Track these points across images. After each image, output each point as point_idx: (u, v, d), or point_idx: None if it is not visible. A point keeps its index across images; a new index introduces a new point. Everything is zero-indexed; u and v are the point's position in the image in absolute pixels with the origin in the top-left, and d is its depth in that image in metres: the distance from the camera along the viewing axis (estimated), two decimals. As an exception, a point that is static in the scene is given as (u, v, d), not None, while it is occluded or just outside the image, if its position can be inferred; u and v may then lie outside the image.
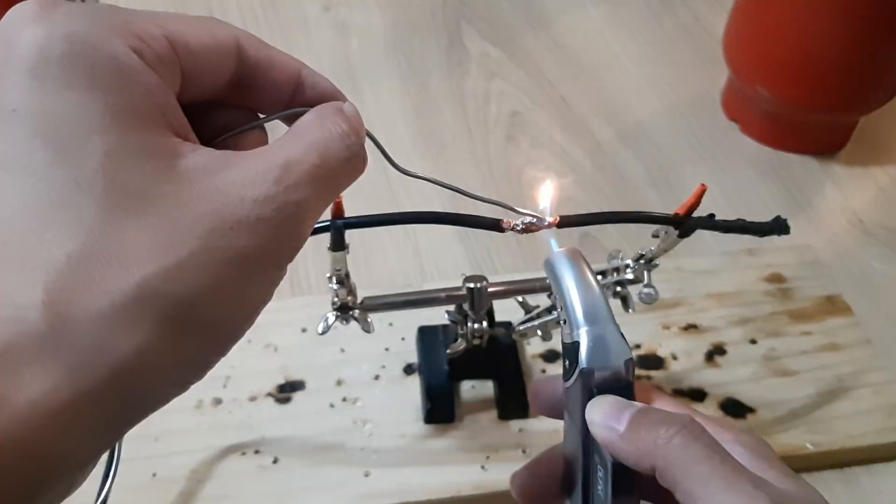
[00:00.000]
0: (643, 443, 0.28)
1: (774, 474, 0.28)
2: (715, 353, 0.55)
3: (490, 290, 0.47)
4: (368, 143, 0.29)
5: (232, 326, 0.25)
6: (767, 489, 0.27)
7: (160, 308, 0.22)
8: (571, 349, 0.30)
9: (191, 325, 0.23)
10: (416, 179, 0.33)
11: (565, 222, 0.36)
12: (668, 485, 0.28)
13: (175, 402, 0.56)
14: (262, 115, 0.29)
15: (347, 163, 0.27)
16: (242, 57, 0.27)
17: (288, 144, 0.26)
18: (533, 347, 0.55)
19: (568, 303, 0.31)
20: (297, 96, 0.29)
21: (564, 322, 0.31)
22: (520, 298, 0.48)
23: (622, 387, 0.30)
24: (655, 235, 0.43)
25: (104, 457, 0.45)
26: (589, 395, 0.30)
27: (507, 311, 0.50)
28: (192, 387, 0.55)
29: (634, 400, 0.30)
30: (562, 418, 0.33)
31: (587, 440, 0.30)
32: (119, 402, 0.22)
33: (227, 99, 0.28)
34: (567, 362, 0.31)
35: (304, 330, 0.55)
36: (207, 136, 0.28)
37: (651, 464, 0.28)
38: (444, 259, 0.62)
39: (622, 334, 0.31)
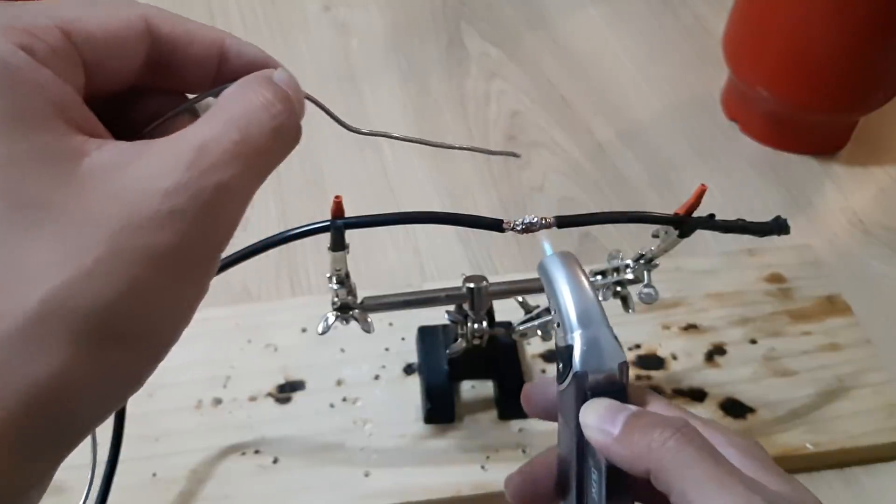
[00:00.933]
0: (637, 446, 0.28)
1: (769, 476, 0.28)
2: (715, 353, 0.55)
3: (490, 290, 0.47)
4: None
5: (160, 331, 0.23)
6: (761, 491, 0.26)
7: (69, 323, 0.21)
8: (565, 352, 0.30)
9: (110, 337, 0.21)
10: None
11: (565, 222, 0.36)
12: (663, 488, 0.27)
13: (175, 402, 0.56)
14: (191, 97, 0.27)
15: (275, 134, 0.25)
16: (155, 36, 0.26)
17: (205, 124, 0.24)
18: (533, 347, 0.55)
19: (561, 306, 0.31)
20: (223, 70, 0.27)
21: (558, 325, 0.31)
22: (520, 298, 0.48)
23: (616, 390, 0.30)
24: (655, 235, 0.43)
25: (104, 456, 0.45)
26: (583, 398, 0.30)
27: (507, 311, 0.50)
28: (192, 387, 0.55)
29: (628, 403, 0.30)
30: (556, 421, 0.33)
31: (581, 443, 0.30)
32: (41, 426, 0.21)
33: (151, 83, 0.27)
34: (561, 365, 0.31)
35: (304, 330, 0.55)
36: (138, 127, 0.27)
37: (645, 467, 0.28)
38: (444, 259, 0.62)
39: (616, 337, 0.31)
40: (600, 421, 0.29)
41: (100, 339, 0.21)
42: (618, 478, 0.29)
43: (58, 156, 0.22)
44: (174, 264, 0.22)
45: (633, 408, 0.30)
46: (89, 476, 0.46)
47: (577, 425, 0.30)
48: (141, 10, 0.25)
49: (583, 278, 0.31)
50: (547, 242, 0.34)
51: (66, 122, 0.22)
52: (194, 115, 0.27)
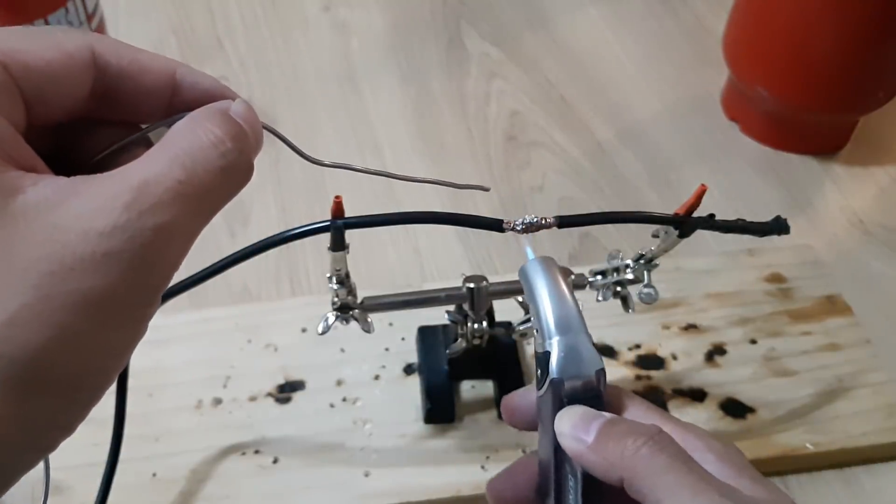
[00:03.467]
0: (611, 454, 0.28)
1: (745, 482, 0.28)
2: (715, 353, 0.55)
3: (490, 290, 0.47)
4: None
5: (91, 378, 0.22)
6: (736, 497, 0.26)
7: None
8: (543, 359, 0.30)
9: (36, 385, 0.21)
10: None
11: (565, 222, 0.36)
12: (637, 496, 0.27)
13: (175, 402, 0.56)
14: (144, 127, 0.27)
15: (222, 174, 0.24)
16: (101, 66, 0.25)
17: (149, 160, 0.23)
18: (533, 347, 0.54)
19: (540, 312, 0.31)
20: (177, 100, 0.26)
21: (537, 331, 0.31)
22: (520, 298, 0.48)
23: (592, 397, 0.30)
24: (655, 235, 0.43)
25: (104, 456, 0.45)
26: (559, 404, 0.30)
27: (507, 311, 0.50)
28: (192, 387, 0.55)
29: (604, 410, 0.30)
30: (536, 430, 0.33)
31: (558, 450, 0.30)
32: None
33: (102, 114, 0.26)
34: (539, 371, 0.31)
35: (304, 330, 0.55)
36: (91, 158, 0.26)
37: (619, 475, 0.28)
38: (444, 259, 0.62)
39: (594, 344, 0.31)
40: (574, 429, 0.29)
41: (26, 387, 0.21)
42: (593, 485, 0.29)
43: None
44: (107, 310, 0.21)
45: (607, 415, 0.29)
46: (89, 476, 0.46)
47: (554, 432, 0.30)
48: (86, 41, 0.25)
49: (563, 285, 0.31)
50: (529, 246, 0.34)
51: (1, 157, 0.22)
52: (149, 145, 0.26)
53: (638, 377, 0.53)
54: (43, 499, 0.45)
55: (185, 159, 0.23)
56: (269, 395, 0.52)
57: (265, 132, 0.27)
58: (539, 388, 0.31)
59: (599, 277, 0.47)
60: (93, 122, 0.26)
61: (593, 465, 0.29)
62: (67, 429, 0.22)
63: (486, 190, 0.35)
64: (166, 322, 0.54)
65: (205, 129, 0.24)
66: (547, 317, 0.31)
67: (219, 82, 0.27)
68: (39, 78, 0.23)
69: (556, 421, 0.30)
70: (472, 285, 0.46)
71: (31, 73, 0.23)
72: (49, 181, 0.22)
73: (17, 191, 0.21)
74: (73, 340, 0.21)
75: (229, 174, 0.24)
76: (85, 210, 0.21)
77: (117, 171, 0.23)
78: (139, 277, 0.22)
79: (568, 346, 0.30)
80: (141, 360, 0.44)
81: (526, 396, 0.33)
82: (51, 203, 0.21)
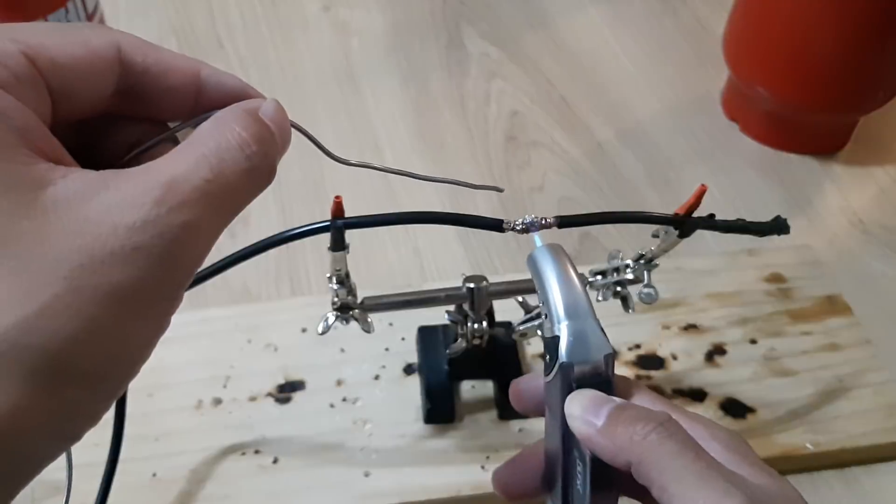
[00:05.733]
0: (620, 438, 0.28)
1: (750, 470, 0.28)
2: (715, 353, 0.55)
3: (490, 290, 0.47)
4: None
5: (117, 369, 0.23)
6: (741, 484, 0.27)
7: (24, 362, 0.20)
8: (552, 343, 0.31)
9: (65, 375, 0.21)
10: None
11: (565, 222, 0.36)
12: (644, 480, 0.28)
13: (175, 402, 0.56)
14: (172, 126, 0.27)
15: (247, 175, 0.24)
16: (127, 64, 0.25)
17: (177, 158, 0.23)
18: (533, 347, 0.55)
19: (549, 297, 0.31)
20: (202, 100, 0.26)
21: (546, 317, 0.31)
22: (520, 298, 0.48)
23: (602, 381, 0.30)
24: (655, 235, 0.43)
25: (104, 456, 0.45)
26: (568, 389, 0.30)
27: (507, 311, 0.50)
28: (192, 387, 0.55)
29: (613, 395, 0.30)
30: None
31: (567, 435, 0.30)
32: None
33: (127, 111, 0.26)
34: (548, 357, 0.31)
35: (304, 330, 0.55)
36: (119, 154, 0.26)
37: (627, 459, 0.28)
38: (444, 259, 0.62)
39: (602, 329, 0.31)
40: (584, 412, 0.29)
41: (54, 377, 0.21)
42: (602, 470, 0.30)
43: (18, 184, 0.21)
44: (134, 303, 0.22)
45: (617, 400, 0.30)
46: (89, 476, 0.46)
47: (563, 417, 0.30)
48: (112, 38, 0.25)
49: (571, 270, 0.31)
50: (537, 234, 0.35)
51: (30, 149, 0.22)
52: (176, 143, 0.27)
53: (638, 377, 0.53)
54: (65, 497, 0.45)
55: (212, 159, 0.24)
56: (269, 395, 0.52)
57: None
58: (547, 374, 0.31)
59: (599, 277, 0.47)
60: (117, 119, 0.27)
61: (602, 448, 0.29)
62: (93, 418, 0.23)
63: (501, 191, 0.36)
64: (166, 322, 0.54)
65: (231, 131, 0.24)
66: (556, 302, 0.31)
67: (244, 83, 0.27)
68: (66, 73, 0.24)
69: (566, 404, 0.30)
70: (472, 285, 0.46)
71: (58, 68, 0.23)
72: (78, 174, 0.22)
73: (48, 183, 0.21)
74: (100, 332, 0.21)
75: (252, 176, 0.25)
76: (115, 204, 0.22)
77: (145, 166, 0.23)
78: (166, 272, 0.22)
79: (577, 330, 0.30)
80: (141, 360, 0.44)
81: (534, 381, 0.33)
82: (81, 196, 0.22)
